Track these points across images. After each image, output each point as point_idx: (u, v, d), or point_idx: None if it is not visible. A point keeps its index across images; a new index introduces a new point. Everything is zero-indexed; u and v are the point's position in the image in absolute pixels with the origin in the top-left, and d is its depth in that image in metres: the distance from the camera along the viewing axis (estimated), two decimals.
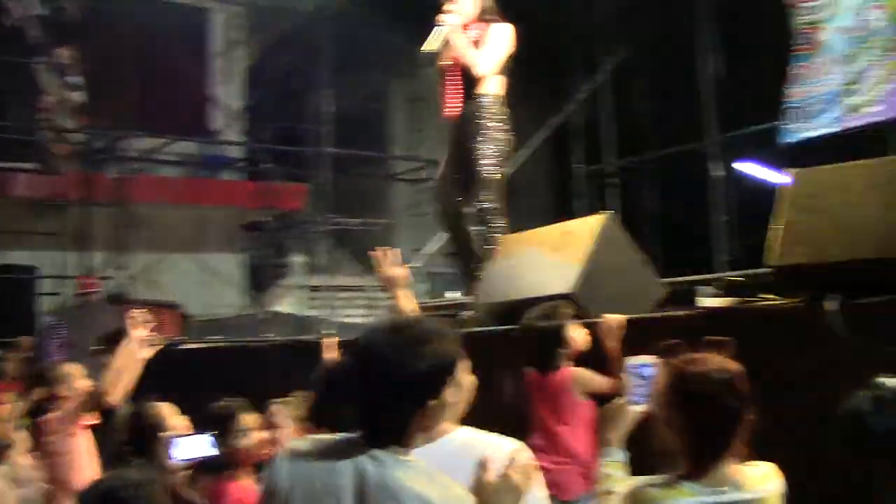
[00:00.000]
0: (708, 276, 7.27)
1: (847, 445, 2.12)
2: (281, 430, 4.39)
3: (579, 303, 4.77)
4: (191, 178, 14.98)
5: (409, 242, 16.97)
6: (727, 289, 4.99)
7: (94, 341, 7.79)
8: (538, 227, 5.88)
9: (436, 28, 6.27)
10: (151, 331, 6.03)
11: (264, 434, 4.44)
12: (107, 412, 5.94)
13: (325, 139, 13.70)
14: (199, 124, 15.73)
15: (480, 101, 6.28)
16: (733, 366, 2.80)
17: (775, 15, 10.71)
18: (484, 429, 2.70)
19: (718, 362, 2.81)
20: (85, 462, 5.70)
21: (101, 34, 12.88)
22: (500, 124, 6.29)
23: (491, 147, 6.21)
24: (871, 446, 2.16)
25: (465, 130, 6.36)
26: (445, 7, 6.33)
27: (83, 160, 13.26)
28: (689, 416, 2.77)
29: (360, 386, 2.45)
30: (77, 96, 12.11)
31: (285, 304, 15.37)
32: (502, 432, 2.67)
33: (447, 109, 6.48)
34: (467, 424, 2.68)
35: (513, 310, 5.16)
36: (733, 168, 12.87)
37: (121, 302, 11.38)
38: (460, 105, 6.39)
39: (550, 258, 5.18)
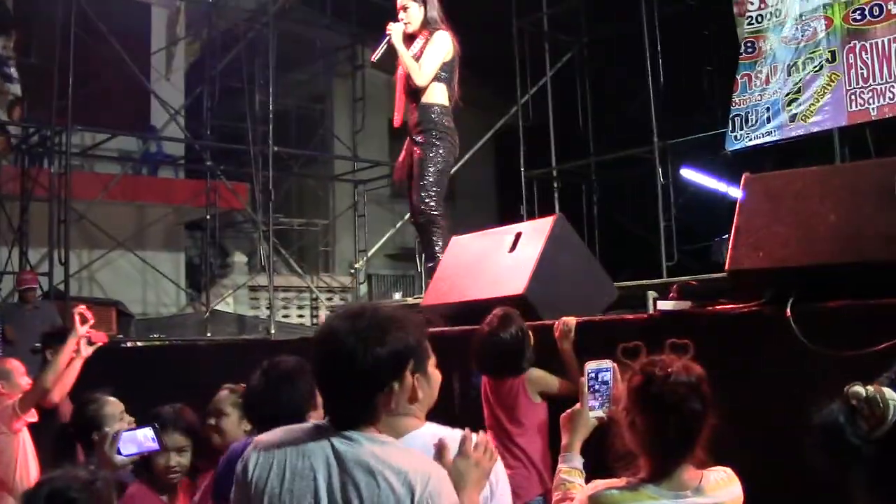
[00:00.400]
0: (663, 279, 7.33)
1: (822, 456, 2.12)
2: (226, 417, 4.33)
3: (531, 304, 4.78)
4: (130, 174, 14.79)
5: (349, 243, 16.97)
6: (682, 293, 5.00)
7: (33, 338, 7.66)
8: (484, 229, 5.91)
9: (384, 37, 6.46)
10: (93, 328, 6.00)
11: (210, 421, 4.38)
12: (46, 410, 5.87)
13: (267, 138, 13.61)
14: (139, 120, 15.55)
15: (423, 110, 6.38)
16: (696, 368, 2.79)
17: (721, 23, 10.86)
18: None
19: (682, 365, 2.79)
20: (25, 460, 5.61)
21: (39, 26, 12.70)
22: (444, 132, 6.39)
23: (432, 154, 6.31)
24: (848, 457, 2.17)
25: (412, 137, 6.49)
26: (399, 17, 6.49)
27: (20, 154, 13.08)
28: (653, 418, 2.74)
29: (324, 373, 2.49)
30: (14, 88, 11.93)
31: (226, 303, 15.26)
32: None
33: (396, 118, 6.68)
34: None
35: (464, 311, 5.16)
36: (676, 174, 13.02)
37: (60, 299, 11.23)
38: (405, 114, 6.56)
39: (501, 260, 5.17)
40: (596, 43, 15.12)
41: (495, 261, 5.22)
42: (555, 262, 4.94)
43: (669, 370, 2.76)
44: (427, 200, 6.31)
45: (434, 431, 2.68)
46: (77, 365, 5.80)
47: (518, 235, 5.17)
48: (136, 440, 3.89)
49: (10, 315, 10.11)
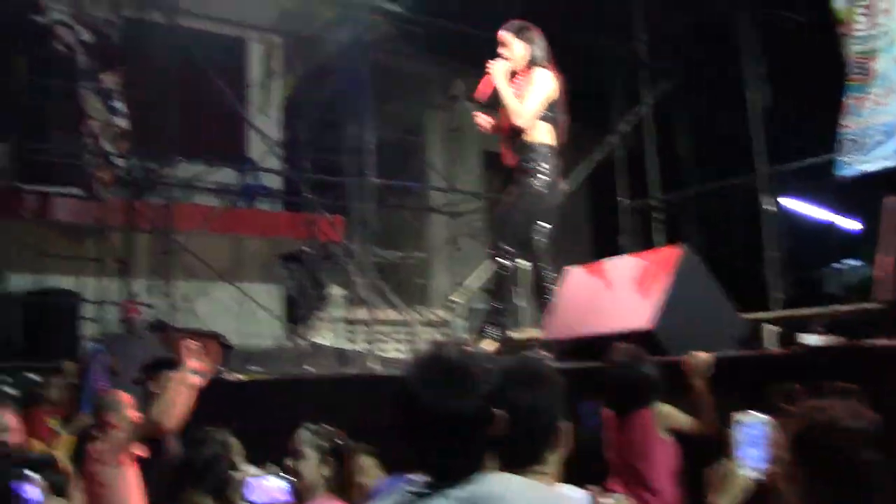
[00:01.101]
0: (778, 313, 7.05)
1: None
2: (303, 460, 4.19)
3: (658, 339, 4.59)
4: (229, 207, 14.89)
5: (447, 276, 16.85)
6: (831, 326, 4.75)
7: (137, 369, 7.65)
8: (583, 262, 5.73)
9: (486, 74, 6.30)
10: (202, 360, 5.97)
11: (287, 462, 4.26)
12: (156, 443, 5.82)
13: (364, 170, 13.58)
14: (237, 154, 15.70)
15: (527, 150, 6.24)
16: (868, 414, 2.43)
17: (826, 43, 10.52)
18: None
19: (850, 410, 2.44)
20: (133, 495, 5.56)
21: (143, 62, 12.87)
22: (546, 172, 6.24)
23: (525, 195, 6.21)
24: None
25: (513, 176, 6.38)
26: (500, 52, 6.34)
27: (125, 186, 13.24)
28: (819, 473, 2.40)
29: (415, 427, 2.29)
30: (121, 122, 12.09)
31: (323, 336, 15.23)
32: (579, 473, 2.50)
33: (503, 157, 6.54)
34: None
35: (586, 346, 4.99)
36: (782, 202, 12.66)
37: (162, 330, 11.29)
38: (511, 152, 6.41)
39: (625, 292, 5.00)
40: (694, 68, 14.86)
41: (617, 293, 5.04)
42: (682, 294, 4.76)
43: (836, 416, 2.41)
44: (505, 240, 6.22)
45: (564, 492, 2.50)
46: (190, 394, 5.75)
47: (641, 266, 4.99)
48: (266, 489, 3.70)
49: (114, 346, 10.17)
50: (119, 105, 12.08)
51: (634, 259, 5.24)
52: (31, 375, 10.43)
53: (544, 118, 6.30)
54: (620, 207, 14.38)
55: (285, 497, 3.73)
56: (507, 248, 6.18)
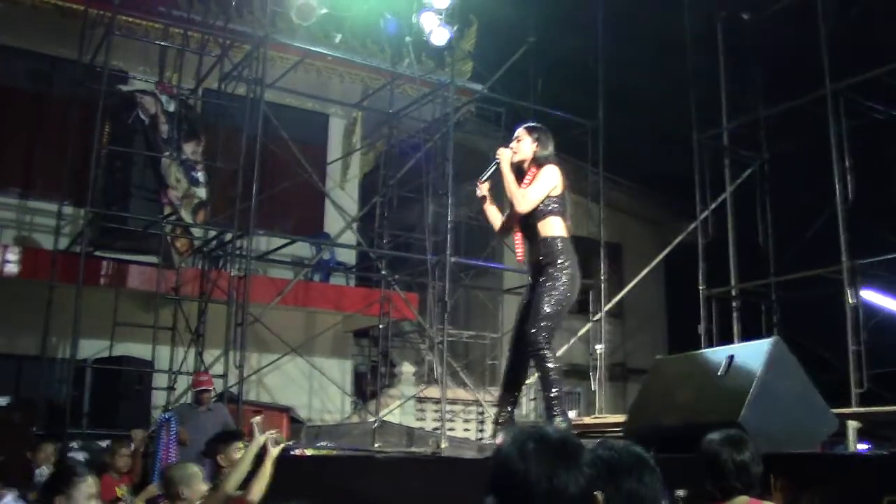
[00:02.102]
0: (863, 409, 6.80)
1: None
2: None
3: (747, 432, 4.40)
4: (303, 280, 14.93)
5: None
6: None
7: (206, 440, 7.60)
8: (656, 353, 5.60)
9: (493, 162, 6.49)
10: (275, 432, 5.97)
11: None
12: None
13: (441, 248, 13.54)
14: (314, 227, 15.79)
15: (545, 245, 6.32)
16: None
17: None
18: None
19: None
20: None
21: (225, 132, 13.05)
22: (566, 265, 6.25)
23: (552, 289, 6.18)
24: None
25: (533, 272, 6.46)
26: (511, 145, 6.52)
27: (202, 256, 13.34)
28: None
29: (504, 499, 2.17)
30: (200, 192, 12.20)
31: (391, 413, 15.13)
32: None
33: (517, 254, 6.63)
34: None
35: (670, 436, 4.82)
36: (864, 296, 12.37)
37: (232, 401, 11.25)
38: (524, 249, 6.52)
39: (713, 383, 4.82)
40: (777, 157, 14.72)
41: (706, 384, 4.87)
42: (772, 387, 4.59)
43: None
44: (539, 331, 6.14)
45: None
46: (269, 465, 5.76)
47: (731, 358, 4.82)
48: None
49: (184, 416, 10.14)
50: (199, 175, 12.20)
51: (723, 350, 5.06)
52: (100, 442, 10.47)
53: (555, 212, 6.37)
54: (702, 294, 14.12)
55: None
56: (543, 339, 6.13)
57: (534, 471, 2.11)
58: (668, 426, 5.00)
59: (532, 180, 6.37)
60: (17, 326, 12.74)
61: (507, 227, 6.74)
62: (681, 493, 4.29)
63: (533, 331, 6.14)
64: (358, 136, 16.90)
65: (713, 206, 14.74)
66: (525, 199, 6.29)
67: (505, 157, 6.43)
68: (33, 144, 13.92)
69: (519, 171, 6.45)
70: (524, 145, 6.50)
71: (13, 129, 13.88)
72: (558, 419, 6.02)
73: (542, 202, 6.32)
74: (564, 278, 6.20)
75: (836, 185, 12.18)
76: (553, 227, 6.34)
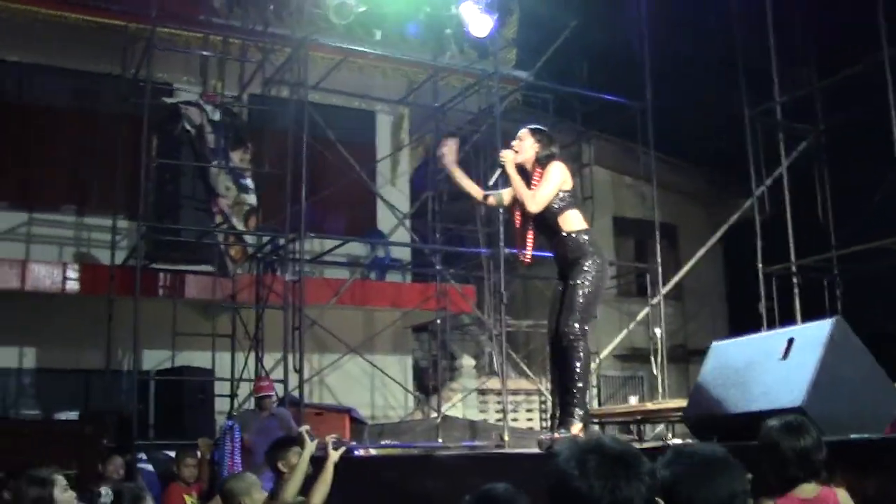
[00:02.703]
0: None
1: None
2: None
3: (810, 418, 4.27)
4: (359, 279, 14.93)
5: None
6: None
7: (274, 442, 7.61)
8: (717, 335, 5.50)
9: (497, 165, 6.50)
10: (335, 435, 6.03)
11: None
12: None
13: (494, 240, 13.46)
14: (367, 226, 15.78)
15: (571, 241, 6.34)
16: None
17: None
18: None
19: None
20: None
21: (272, 136, 13.06)
22: (594, 257, 6.31)
23: (581, 279, 6.22)
24: None
25: (561, 268, 6.46)
26: (513, 145, 6.53)
27: (256, 262, 13.39)
28: None
29: None
30: (250, 199, 12.23)
31: (454, 407, 15.10)
32: None
33: (521, 254, 6.62)
34: None
35: (731, 424, 4.71)
36: None
37: (294, 405, 11.28)
38: (552, 247, 6.51)
39: (773, 368, 4.70)
40: (833, 129, 14.43)
41: (766, 369, 4.75)
42: (835, 370, 4.44)
43: None
44: (573, 323, 6.17)
45: None
46: (330, 469, 5.88)
47: (791, 341, 4.69)
48: None
49: (246, 422, 10.17)
50: (248, 182, 12.24)
51: (783, 332, 4.93)
52: (167, 452, 10.55)
53: (571, 205, 6.41)
54: (761, 272, 13.89)
55: None
56: (578, 331, 6.16)
57: (596, 486, 2.06)
58: (727, 414, 4.88)
59: (538, 180, 6.38)
60: (81, 342, 12.90)
61: (495, 203, 6.80)
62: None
63: (568, 323, 6.18)
64: (405, 132, 16.86)
65: (768, 181, 14.50)
66: (535, 199, 6.29)
67: (509, 158, 6.42)
68: (85, 162, 13.97)
69: (522, 173, 6.44)
70: (526, 145, 6.49)
71: (64, 148, 13.97)
72: (578, 411, 6.09)
73: (555, 199, 6.33)
74: (595, 270, 6.26)
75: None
76: (574, 222, 6.38)
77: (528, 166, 6.45)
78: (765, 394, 4.62)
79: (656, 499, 2.12)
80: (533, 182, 6.37)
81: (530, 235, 6.51)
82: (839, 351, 4.49)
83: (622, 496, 2.05)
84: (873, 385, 4.59)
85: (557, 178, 6.33)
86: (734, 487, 2.33)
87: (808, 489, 3.97)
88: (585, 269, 6.22)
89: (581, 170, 17.11)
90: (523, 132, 6.56)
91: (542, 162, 6.43)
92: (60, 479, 4.80)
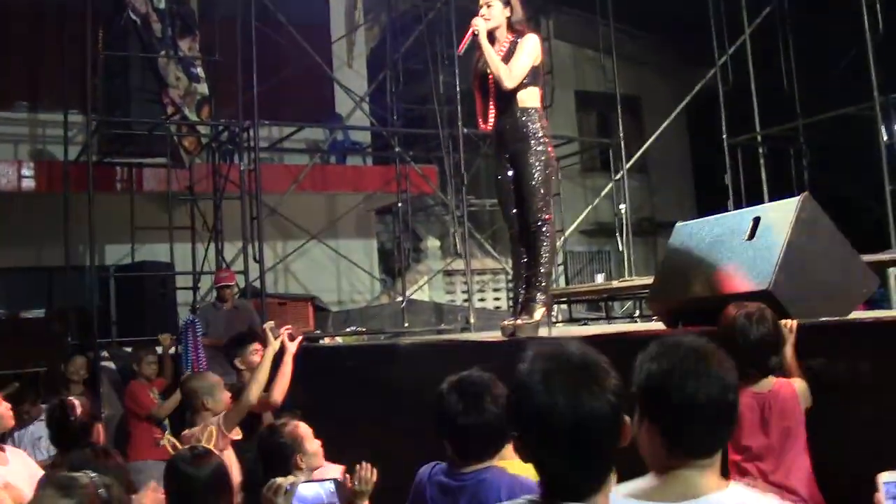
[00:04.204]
0: None
1: None
2: None
3: (778, 301, 4.16)
4: (319, 164, 14.69)
5: None
6: None
7: (231, 339, 7.50)
8: (684, 208, 5.36)
9: (468, 33, 6.23)
10: (291, 326, 5.95)
11: None
12: (252, 425, 5.67)
13: (454, 119, 13.24)
14: (324, 110, 15.48)
15: (519, 115, 6.16)
16: None
17: None
18: None
19: None
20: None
21: (221, 24, 12.65)
22: (543, 136, 6.16)
23: (534, 161, 6.09)
24: None
25: (506, 143, 6.28)
26: (480, 13, 6.25)
27: (211, 152, 13.12)
28: None
29: (544, 434, 2.02)
30: (202, 88, 11.90)
31: (420, 289, 15.05)
32: None
33: (483, 122, 6.41)
34: None
35: (695, 308, 4.59)
36: None
37: (256, 296, 11.16)
38: (496, 118, 6.31)
39: (738, 249, 4.56)
40: None
41: (731, 251, 4.60)
42: (803, 250, 4.29)
43: None
44: (536, 209, 6.06)
45: (741, 500, 2.21)
46: (289, 362, 5.77)
47: (757, 220, 4.54)
48: (317, 493, 3.42)
49: (208, 316, 10.07)
50: (199, 71, 11.88)
51: (749, 211, 4.78)
52: (127, 349, 10.44)
53: (533, 82, 6.21)
54: (726, 144, 13.76)
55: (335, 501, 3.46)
56: (540, 214, 6.07)
57: (560, 402, 1.96)
58: (694, 297, 4.76)
59: (508, 51, 6.17)
60: (42, 239, 12.69)
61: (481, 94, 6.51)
62: None
63: (531, 210, 6.07)
64: (360, 12, 16.42)
65: (731, 50, 14.25)
66: (511, 75, 6.09)
67: (482, 27, 6.15)
68: (34, 57, 13.58)
69: (491, 38, 6.20)
70: (495, 11, 6.23)
71: (14, 45, 13.54)
72: (540, 296, 6.03)
73: None
74: (544, 147, 6.13)
75: (865, 16, 11.61)
76: (532, 98, 6.19)
77: (498, 32, 6.23)
78: (730, 276, 4.49)
79: (623, 417, 2.02)
80: (497, 51, 6.15)
81: (492, 105, 6.32)
82: (807, 230, 4.34)
83: (585, 412, 1.95)
84: (843, 265, 4.45)
85: (533, 53, 6.15)
86: (727, 380, 2.21)
87: (763, 382, 3.89)
88: (538, 146, 6.09)
89: (542, 45, 16.76)
90: None
91: (515, 28, 6.24)
92: None
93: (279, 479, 3.51)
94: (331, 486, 3.40)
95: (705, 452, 2.23)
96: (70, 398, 4.48)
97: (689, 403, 2.19)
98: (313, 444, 4.27)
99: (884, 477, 2.33)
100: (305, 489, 3.39)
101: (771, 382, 3.88)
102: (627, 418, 2.04)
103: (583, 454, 1.97)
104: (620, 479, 2.17)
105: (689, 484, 2.19)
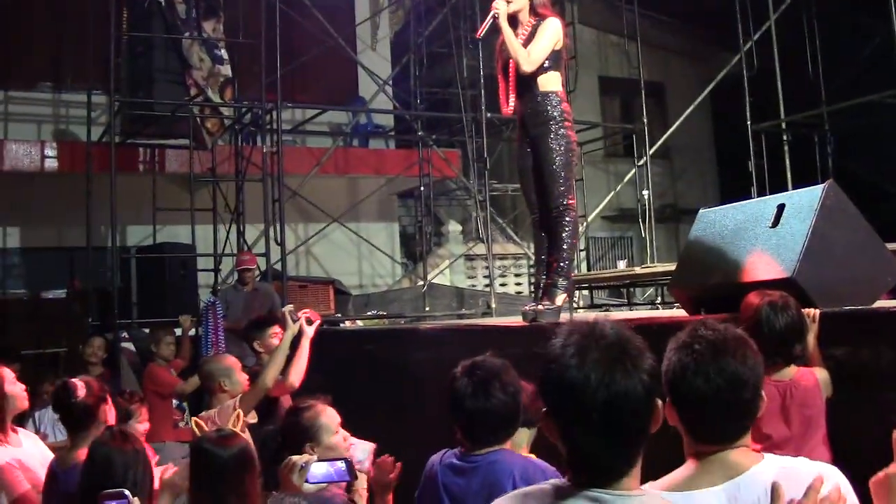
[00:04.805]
0: None
1: None
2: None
3: (802, 289, 4.11)
4: (342, 147, 14.68)
5: None
6: None
7: (250, 322, 7.48)
8: (707, 194, 5.30)
9: (489, 16, 6.13)
10: (309, 310, 5.86)
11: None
12: (268, 409, 5.66)
13: (477, 103, 13.18)
14: (348, 93, 15.47)
15: (543, 99, 6.08)
16: None
17: None
18: None
19: None
20: None
21: (245, 5, 12.65)
22: (564, 121, 6.07)
23: (555, 145, 6.01)
24: None
25: (527, 128, 6.20)
26: None
27: (234, 134, 13.12)
28: None
29: (560, 408, 2.01)
30: (225, 70, 11.89)
31: (441, 274, 15.02)
32: None
33: (505, 107, 6.32)
34: None
35: (718, 296, 4.55)
36: None
37: (277, 279, 11.16)
38: (516, 102, 6.23)
39: (762, 237, 4.51)
40: None
41: (754, 238, 4.55)
42: (828, 238, 4.24)
43: None
44: (558, 194, 6.01)
45: (779, 465, 2.26)
46: (306, 346, 5.61)
47: (781, 208, 4.48)
48: (327, 471, 3.50)
49: (229, 298, 10.06)
50: (223, 53, 11.86)
51: (773, 198, 4.72)
52: (145, 330, 10.45)
53: (554, 67, 6.11)
54: (750, 130, 13.66)
55: (346, 477, 3.54)
56: (565, 201, 6.02)
57: (593, 378, 1.92)
58: (716, 284, 4.71)
59: (530, 34, 6.09)
60: (63, 219, 12.82)
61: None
62: None
63: (553, 195, 6.02)
64: None
65: (756, 35, 14.13)
66: (530, 59, 6.01)
67: (502, 9, 6.07)
68: (58, 38, 13.67)
69: (513, 21, 6.14)
70: None
71: (38, 26, 13.64)
72: (562, 281, 5.98)
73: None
74: (566, 131, 6.05)
75: (892, 3, 11.48)
76: (553, 82, 6.11)
77: (521, 15, 6.17)
78: (753, 264, 4.44)
79: (656, 399, 1.99)
80: (519, 34, 6.09)
81: (512, 89, 6.25)
82: (832, 217, 4.28)
83: (618, 389, 1.91)
84: (868, 253, 4.39)
85: (553, 37, 6.07)
86: (744, 377, 2.26)
87: (785, 371, 3.85)
88: (559, 130, 6.02)
89: (566, 28, 16.68)
90: None
91: (536, 11, 6.16)
92: (8, 373, 4.61)
93: (294, 458, 3.57)
94: (342, 465, 3.52)
95: (726, 440, 2.27)
96: (73, 379, 4.44)
97: (699, 398, 2.25)
98: (331, 437, 4.11)
99: None
100: (317, 468, 3.51)
101: (792, 371, 3.84)
102: (660, 402, 2.01)
103: (614, 433, 1.94)
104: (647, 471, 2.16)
105: (728, 465, 2.24)
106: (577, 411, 1.94)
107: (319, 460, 3.59)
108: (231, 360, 5.88)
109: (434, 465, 3.55)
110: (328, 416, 4.16)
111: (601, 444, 1.94)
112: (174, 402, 8.57)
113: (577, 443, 1.99)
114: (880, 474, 2.52)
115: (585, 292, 13.71)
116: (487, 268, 13.44)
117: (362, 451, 4.35)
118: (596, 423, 1.92)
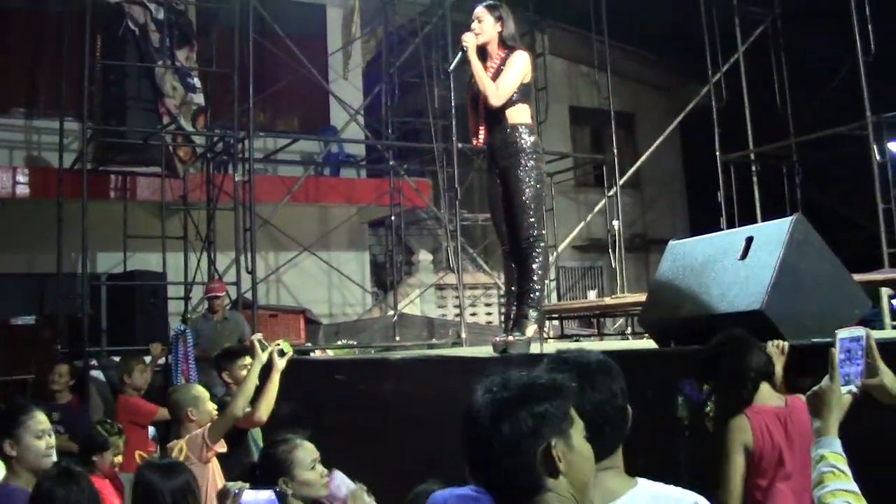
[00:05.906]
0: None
1: None
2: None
3: (771, 321, 4.16)
4: (313, 176, 14.69)
5: None
6: None
7: (221, 352, 7.44)
8: (676, 224, 5.35)
9: (459, 49, 6.25)
10: (280, 340, 5.82)
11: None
12: (236, 439, 5.63)
13: (448, 133, 13.23)
14: (319, 122, 15.50)
15: (508, 131, 6.15)
16: None
17: None
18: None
19: None
20: (213, 492, 5.33)
21: (219, 34, 12.68)
22: (533, 153, 6.15)
23: (524, 177, 6.07)
24: None
25: (496, 159, 6.26)
26: (472, 27, 6.25)
27: (206, 162, 13.11)
28: None
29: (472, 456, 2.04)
30: (198, 98, 11.89)
31: (412, 303, 15.01)
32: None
33: (475, 138, 6.40)
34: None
35: (687, 327, 4.59)
36: (891, 148, 11.98)
37: (248, 307, 11.12)
38: (486, 134, 6.32)
39: (731, 269, 4.56)
40: (791, 12, 14.17)
41: (724, 270, 4.60)
42: (796, 270, 4.30)
43: None
44: (531, 222, 6.06)
45: (651, 492, 2.26)
46: (276, 379, 5.57)
47: (749, 240, 4.54)
48: (255, 500, 3.51)
49: (199, 327, 10.01)
50: (195, 81, 11.88)
51: (742, 230, 4.78)
52: (114, 359, 10.37)
53: (523, 99, 6.21)
54: (719, 160, 13.80)
55: None
56: (532, 230, 6.07)
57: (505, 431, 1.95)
58: (685, 316, 4.75)
59: (499, 68, 6.16)
60: (34, 246, 12.67)
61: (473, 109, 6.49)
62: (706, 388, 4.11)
63: (524, 226, 6.06)
64: (357, 25, 16.42)
65: (725, 67, 14.29)
66: (498, 93, 6.08)
67: (471, 42, 6.15)
68: (32, 64, 13.67)
69: (482, 53, 6.21)
70: (486, 26, 6.22)
71: (13, 50, 13.63)
72: (532, 312, 5.98)
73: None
74: (535, 162, 6.11)
75: (857, 37, 11.67)
76: (522, 114, 6.19)
77: (490, 48, 6.24)
78: (723, 296, 4.49)
79: (551, 444, 1.95)
80: (489, 66, 6.16)
81: (482, 122, 6.33)
82: (800, 250, 4.34)
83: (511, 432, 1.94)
84: (836, 285, 4.45)
85: (521, 71, 6.15)
86: (613, 387, 2.33)
87: (774, 397, 3.88)
88: (528, 162, 6.07)
89: (535, 60, 16.80)
90: (480, 11, 6.29)
91: (505, 43, 6.24)
92: None
93: (229, 484, 3.61)
94: (271, 495, 3.52)
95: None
96: None
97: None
98: (306, 472, 4.07)
99: (840, 333, 2.64)
100: (247, 496, 3.51)
101: (783, 397, 3.89)
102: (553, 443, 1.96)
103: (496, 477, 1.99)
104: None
105: (602, 489, 2.20)
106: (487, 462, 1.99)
107: (251, 488, 3.59)
108: (199, 390, 5.86)
109: None
110: (304, 451, 4.12)
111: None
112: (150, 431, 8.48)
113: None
114: (814, 389, 2.61)
115: (556, 322, 13.75)
116: (458, 297, 13.44)
117: (343, 487, 4.30)
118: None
